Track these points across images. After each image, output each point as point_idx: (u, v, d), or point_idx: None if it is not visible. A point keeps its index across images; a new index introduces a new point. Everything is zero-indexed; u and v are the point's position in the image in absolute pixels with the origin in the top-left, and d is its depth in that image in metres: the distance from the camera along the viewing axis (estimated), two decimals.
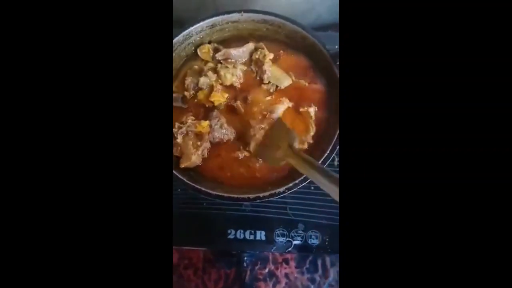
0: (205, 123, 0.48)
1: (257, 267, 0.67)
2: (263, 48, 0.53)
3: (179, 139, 0.48)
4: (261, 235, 0.58)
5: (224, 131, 0.50)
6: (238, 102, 0.51)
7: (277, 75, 0.52)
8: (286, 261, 0.65)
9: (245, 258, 0.61)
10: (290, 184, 0.46)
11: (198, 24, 0.53)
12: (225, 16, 0.53)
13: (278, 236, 0.57)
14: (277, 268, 0.67)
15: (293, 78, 0.53)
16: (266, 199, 0.46)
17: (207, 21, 0.53)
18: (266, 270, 0.67)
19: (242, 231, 0.58)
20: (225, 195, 0.46)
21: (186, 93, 0.52)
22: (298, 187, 0.46)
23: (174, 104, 0.52)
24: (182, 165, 0.47)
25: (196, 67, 0.54)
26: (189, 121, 0.49)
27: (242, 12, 0.53)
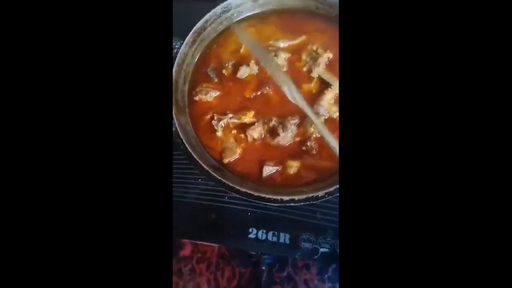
0: (251, 113, 0.43)
1: (274, 269, 0.62)
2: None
3: (219, 132, 0.44)
4: (285, 238, 0.52)
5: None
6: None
7: (328, 75, 0.46)
8: (307, 267, 0.60)
9: (265, 259, 0.56)
10: (332, 189, 0.40)
11: None
12: None
13: (304, 241, 0.52)
14: (296, 273, 0.62)
15: None
16: (302, 203, 0.40)
17: None
18: (284, 274, 0.62)
19: (264, 231, 0.52)
20: (255, 193, 0.40)
21: (224, 71, 0.47)
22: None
23: (209, 72, 0.47)
24: (226, 160, 0.43)
25: (232, 45, 0.49)
26: (229, 114, 0.44)
27: None
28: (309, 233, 0.52)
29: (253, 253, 0.57)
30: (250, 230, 0.52)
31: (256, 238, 0.52)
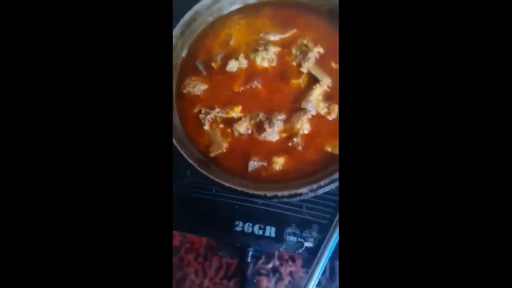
0: (238, 108, 0.43)
1: (260, 261, 0.63)
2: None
3: (206, 126, 0.44)
4: (270, 231, 0.53)
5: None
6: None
7: (318, 71, 0.46)
8: (293, 259, 0.61)
9: (250, 252, 0.57)
10: (315, 186, 0.40)
11: None
12: None
13: (289, 235, 0.53)
14: (281, 265, 0.63)
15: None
16: (285, 199, 0.40)
17: None
18: (270, 265, 0.63)
19: (250, 224, 0.53)
20: (239, 189, 0.41)
21: (213, 64, 0.46)
22: (324, 190, 0.40)
23: (197, 65, 0.47)
24: (213, 154, 0.44)
25: (222, 37, 0.48)
26: (216, 108, 0.44)
27: None
28: (294, 227, 0.53)
29: (239, 245, 0.57)
30: (237, 223, 0.53)
31: (242, 231, 0.53)
